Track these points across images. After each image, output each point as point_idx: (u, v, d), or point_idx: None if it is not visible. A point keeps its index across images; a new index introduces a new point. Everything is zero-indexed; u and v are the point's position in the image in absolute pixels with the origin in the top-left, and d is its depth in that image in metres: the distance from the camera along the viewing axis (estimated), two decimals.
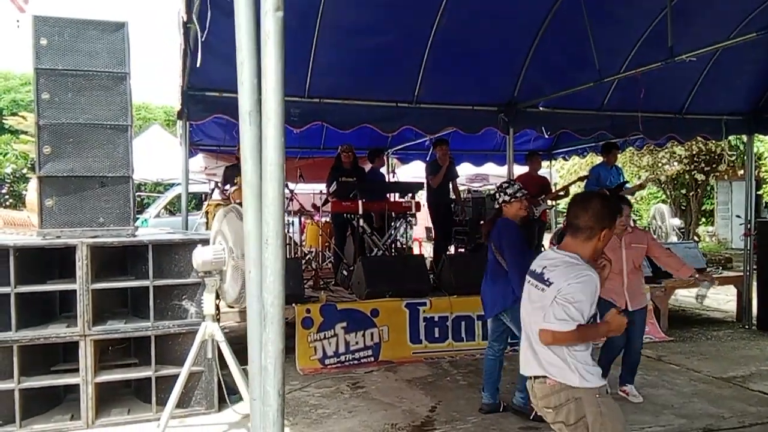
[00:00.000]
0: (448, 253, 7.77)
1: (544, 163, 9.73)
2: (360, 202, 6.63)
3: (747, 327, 7.29)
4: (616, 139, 8.14)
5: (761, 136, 9.75)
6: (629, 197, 6.56)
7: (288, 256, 9.10)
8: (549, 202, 8.64)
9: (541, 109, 6.58)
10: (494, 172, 12.28)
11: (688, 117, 7.19)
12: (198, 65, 4.10)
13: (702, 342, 6.68)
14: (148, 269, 4.18)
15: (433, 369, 5.60)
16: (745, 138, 12.09)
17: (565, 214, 4.18)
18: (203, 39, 3.89)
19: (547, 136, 7.64)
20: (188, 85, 5.35)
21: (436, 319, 6.04)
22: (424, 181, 7.62)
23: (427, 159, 8.18)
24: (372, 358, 5.73)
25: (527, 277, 2.59)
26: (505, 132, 6.53)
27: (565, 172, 16.99)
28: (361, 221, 6.85)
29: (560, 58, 6.22)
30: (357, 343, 5.72)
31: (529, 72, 6.21)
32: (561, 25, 5.78)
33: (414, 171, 10.69)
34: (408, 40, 5.64)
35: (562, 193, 8.35)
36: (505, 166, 10.45)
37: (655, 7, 5.62)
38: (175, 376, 3.97)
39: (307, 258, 8.90)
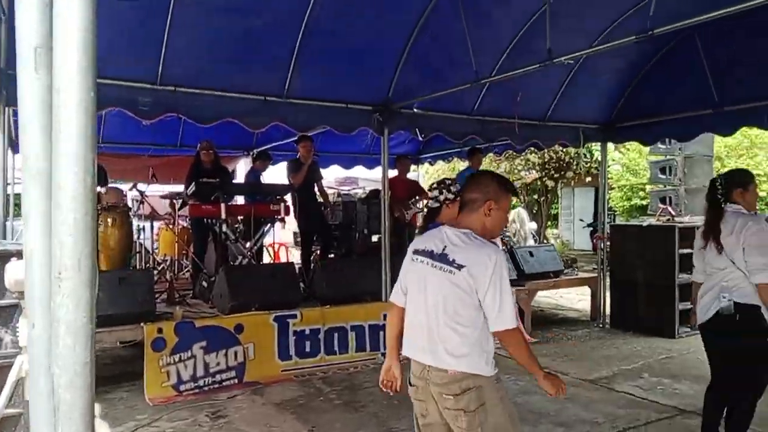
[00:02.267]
0: (318, 258, 7.32)
1: (412, 168, 9.67)
2: (223, 205, 5.99)
3: (601, 326, 7.70)
4: (480, 145, 8.26)
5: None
6: None
7: (138, 267, 8.11)
8: (420, 206, 8.56)
9: (415, 110, 6.39)
10: (364, 176, 12.10)
11: (551, 124, 7.43)
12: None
13: (564, 343, 6.90)
14: None
15: (305, 388, 5.14)
16: (593, 147, 13.09)
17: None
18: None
19: (421, 139, 7.52)
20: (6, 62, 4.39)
21: (308, 332, 5.59)
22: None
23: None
24: (236, 380, 5.14)
25: (419, 258, 2.39)
26: (380, 133, 6.25)
27: (430, 177, 17.35)
28: (224, 226, 6.20)
29: (435, 58, 6.07)
30: (218, 364, 5.09)
31: (405, 71, 5.98)
32: (436, 24, 5.62)
33: (283, 173, 10.14)
34: (280, 27, 5.12)
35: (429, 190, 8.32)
36: (376, 169, 10.34)
37: (527, 11, 5.65)
38: None
39: (160, 268, 7.99)
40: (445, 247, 2.31)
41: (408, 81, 6.12)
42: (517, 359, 2.30)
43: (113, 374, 5.39)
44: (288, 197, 6.99)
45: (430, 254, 2.35)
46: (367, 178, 12.63)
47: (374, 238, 7.87)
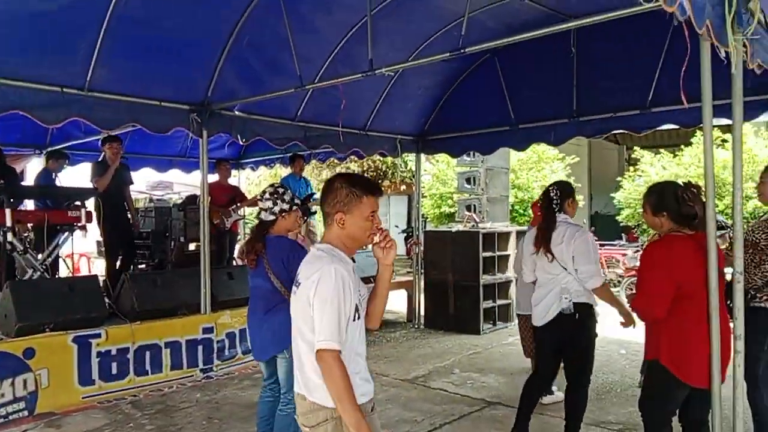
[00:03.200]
0: (122, 269, 6.67)
1: (233, 173, 9.33)
2: (8, 210, 5.17)
3: (417, 327, 8.13)
4: (303, 151, 8.26)
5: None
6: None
7: None
8: (241, 212, 8.28)
9: (236, 113, 6.16)
10: (180, 180, 11.36)
11: (371, 134, 7.68)
12: None
13: (384, 344, 7.16)
14: None
15: (111, 415, 4.64)
16: (407, 157, 13.83)
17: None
18: None
19: (242, 143, 7.26)
20: None
21: (114, 352, 5.07)
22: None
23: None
24: (26, 413, 4.47)
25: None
26: (198, 135, 5.90)
27: (251, 183, 16.93)
28: (9, 236, 5.36)
29: (258, 60, 5.90)
30: (3, 395, 4.37)
31: (226, 70, 5.72)
32: (259, 25, 5.48)
33: (83, 175, 9.08)
34: (80, 11, 4.55)
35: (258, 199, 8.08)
36: (193, 173, 9.78)
37: (350, 21, 5.76)
38: None
39: None
40: (300, 266, 2.18)
41: (229, 81, 5.88)
42: (329, 390, 1.99)
43: None
44: (91, 202, 6.29)
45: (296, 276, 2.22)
46: (184, 182, 11.89)
47: (191, 247, 7.42)
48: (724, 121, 4.20)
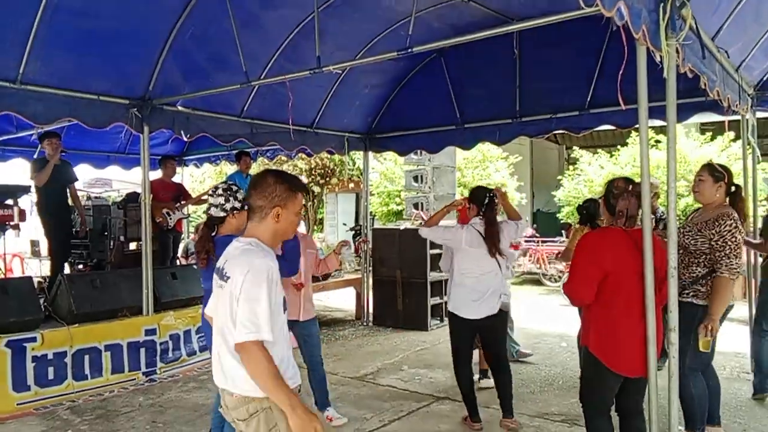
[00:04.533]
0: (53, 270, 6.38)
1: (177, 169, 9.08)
2: None
3: (366, 324, 8.15)
4: (250, 148, 8.14)
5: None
6: None
7: None
8: (185, 211, 8.08)
9: (179, 108, 5.99)
10: (119, 177, 10.99)
11: (319, 131, 7.64)
12: None
13: (333, 343, 7.14)
14: None
15: (48, 422, 4.45)
16: (355, 155, 13.82)
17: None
18: None
19: (186, 139, 7.08)
20: None
21: (51, 356, 4.86)
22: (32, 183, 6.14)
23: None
24: None
25: (215, 277, 2.23)
26: (138, 130, 5.71)
27: (195, 180, 16.54)
28: None
29: (202, 55, 5.75)
30: None
31: (168, 65, 5.55)
32: (203, 20, 5.35)
33: (15, 171, 8.64)
34: None
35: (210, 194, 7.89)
36: (134, 170, 9.46)
37: (297, 17, 5.71)
38: None
39: None
40: (226, 261, 2.18)
41: (172, 76, 5.72)
42: (257, 383, 1.98)
43: None
44: (25, 200, 6.00)
45: (218, 271, 2.22)
46: (124, 179, 11.51)
47: (132, 246, 7.18)
48: (659, 123, 4.42)
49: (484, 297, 4.03)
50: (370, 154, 8.74)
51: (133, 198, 7.35)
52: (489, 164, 14.45)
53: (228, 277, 2.10)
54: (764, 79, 5.37)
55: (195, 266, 5.41)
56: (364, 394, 5.09)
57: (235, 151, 8.44)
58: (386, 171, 14.98)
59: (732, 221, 3.47)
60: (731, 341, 5.79)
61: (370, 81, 7.45)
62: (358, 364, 6.06)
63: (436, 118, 7.50)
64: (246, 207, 3.39)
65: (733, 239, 3.42)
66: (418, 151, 9.04)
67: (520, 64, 6.45)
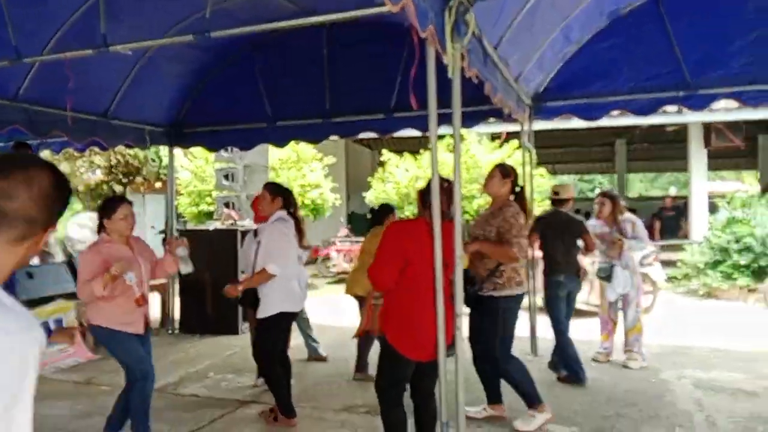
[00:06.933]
0: None
1: None
2: None
3: (171, 332, 7.62)
4: (30, 140, 7.12)
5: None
6: None
7: None
8: None
9: None
10: None
11: (114, 122, 6.93)
12: None
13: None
14: None
15: None
16: (162, 152, 12.91)
17: None
18: None
19: None
20: None
21: None
22: None
23: None
24: None
25: None
26: None
27: None
28: None
29: None
30: None
31: None
32: None
33: None
34: None
35: None
36: None
37: None
38: None
39: None
40: None
41: None
42: None
43: None
44: None
45: None
46: None
47: None
48: (449, 129, 4.74)
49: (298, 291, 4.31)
50: (180, 151, 8.19)
51: None
52: (304, 165, 14.46)
53: None
54: (539, 91, 6.06)
55: None
56: (162, 407, 4.68)
57: (11, 143, 7.32)
58: (197, 169, 14.23)
59: (514, 208, 3.86)
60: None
61: (175, 69, 6.95)
62: (158, 376, 5.54)
63: (248, 114, 7.26)
64: None
65: (517, 222, 3.79)
66: (230, 149, 8.71)
67: (330, 63, 6.50)
